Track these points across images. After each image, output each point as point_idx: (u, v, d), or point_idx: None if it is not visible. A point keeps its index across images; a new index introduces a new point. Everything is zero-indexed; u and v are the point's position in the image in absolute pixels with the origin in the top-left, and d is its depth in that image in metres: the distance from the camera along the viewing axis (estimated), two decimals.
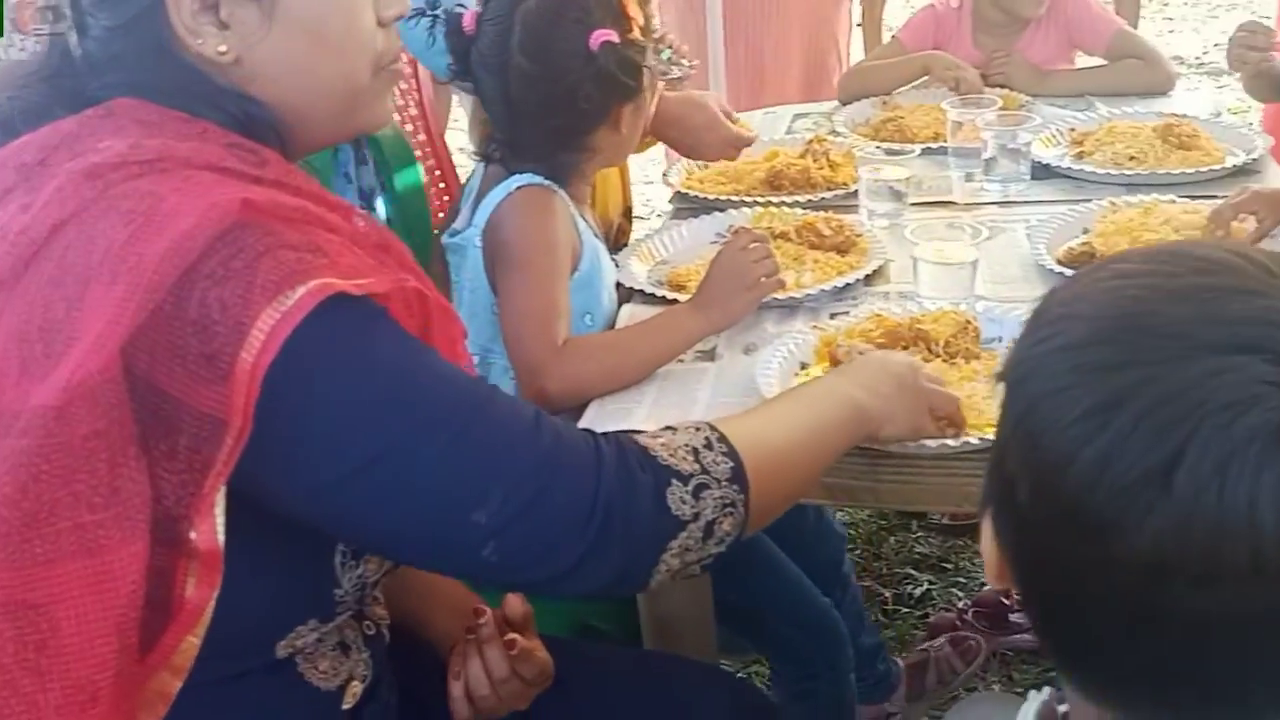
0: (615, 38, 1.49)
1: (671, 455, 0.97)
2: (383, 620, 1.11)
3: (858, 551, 2.47)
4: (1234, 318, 0.58)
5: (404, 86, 2.15)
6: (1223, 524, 0.55)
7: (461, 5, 1.80)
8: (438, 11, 1.79)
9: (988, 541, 0.69)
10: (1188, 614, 0.58)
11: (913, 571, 2.40)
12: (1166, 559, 0.57)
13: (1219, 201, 1.67)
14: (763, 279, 1.50)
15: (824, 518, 1.93)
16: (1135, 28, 2.68)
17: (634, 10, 1.52)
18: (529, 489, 0.89)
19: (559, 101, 1.51)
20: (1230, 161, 1.89)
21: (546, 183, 1.56)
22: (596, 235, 1.67)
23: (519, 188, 1.55)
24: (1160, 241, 1.56)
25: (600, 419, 1.38)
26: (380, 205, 2.00)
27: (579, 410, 1.41)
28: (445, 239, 1.67)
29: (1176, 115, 2.02)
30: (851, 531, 2.52)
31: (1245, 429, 0.55)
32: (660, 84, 1.66)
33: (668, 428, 1.03)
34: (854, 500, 1.32)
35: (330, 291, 0.83)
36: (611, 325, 1.62)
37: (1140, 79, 2.31)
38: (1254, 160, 1.89)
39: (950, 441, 1.21)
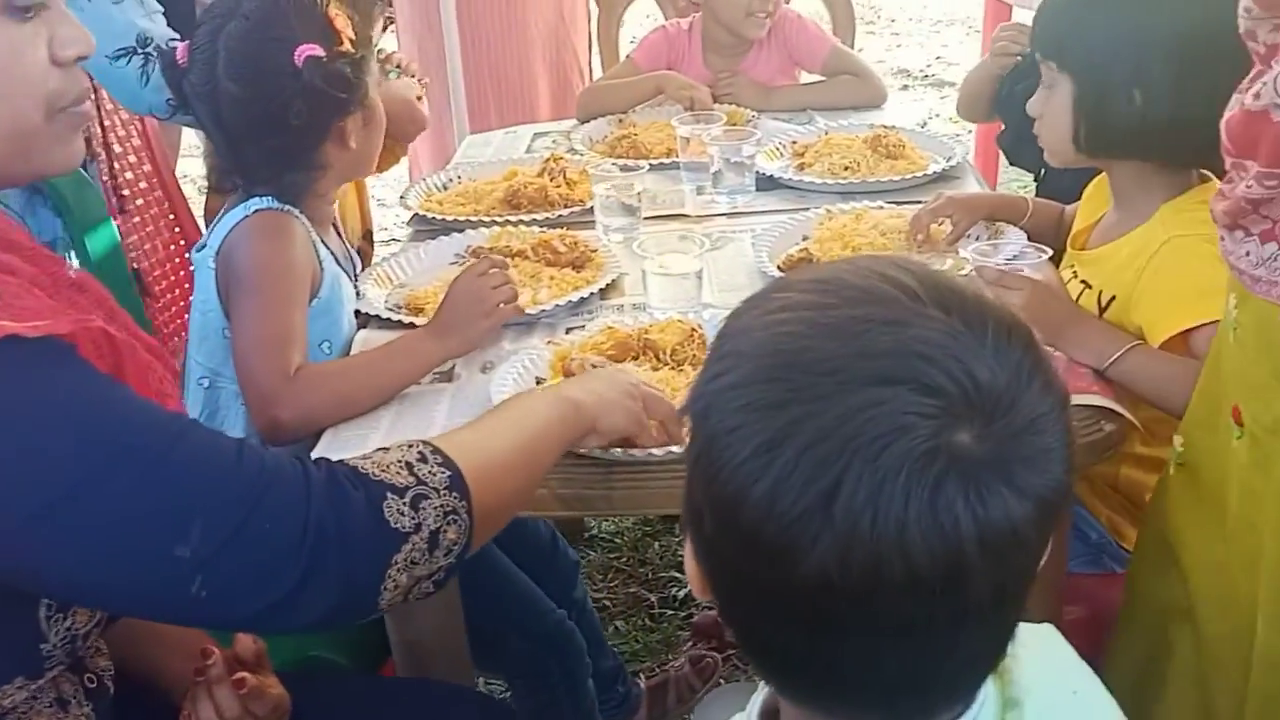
0: (320, 52, 1.48)
1: (384, 471, 0.98)
2: (106, 671, 1.07)
3: (623, 558, 2.53)
4: (881, 351, 0.63)
5: (124, 117, 2.08)
6: (878, 548, 0.61)
7: (175, 40, 1.76)
8: (149, 49, 1.74)
9: (690, 560, 0.73)
10: (858, 624, 0.64)
11: (676, 574, 2.47)
12: (833, 580, 0.62)
13: (920, 206, 1.80)
14: (501, 305, 1.52)
15: (558, 546, 1.96)
16: (852, 45, 2.84)
17: (342, 24, 1.52)
18: (233, 518, 0.88)
19: (272, 121, 1.49)
20: (932, 168, 2.04)
21: (283, 207, 1.54)
22: (339, 261, 1.66)
23: (255, 211, 1.52)
24: (860, 253, 1.67)
25: (334, 447, 1.36)
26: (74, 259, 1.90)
27: (314, 439, 1.39)
28: (191, 254, 1.63)
29: (885, 127, 2.16)
30: (617, 539, 2.58)
31: (893, 459, 0.60)
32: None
33: (380, 448, 1.03)
34: (590, 509, 1.35)
35: (4, 334, 0.80)
36: (349, 352, 1.60)
37: (855, 94, 2.46)
38: (953, 166, 2.05)
39: (675, 448, 1.26)
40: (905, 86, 5.65)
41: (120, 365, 0.92)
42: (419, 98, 2.01)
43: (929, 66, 5.92)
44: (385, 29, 3.17)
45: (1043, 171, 2.17)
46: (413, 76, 2.00)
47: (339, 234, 1.75)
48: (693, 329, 1.47)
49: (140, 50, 1.74)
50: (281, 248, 1.51)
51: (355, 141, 1.57)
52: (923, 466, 0.60)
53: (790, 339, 0.66)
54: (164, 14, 1.85)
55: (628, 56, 2.63)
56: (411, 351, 1.49)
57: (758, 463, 0.63)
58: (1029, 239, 1.70)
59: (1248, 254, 1.07)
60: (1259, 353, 1.10)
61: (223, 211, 1.58)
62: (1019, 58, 2.07)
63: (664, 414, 1.28)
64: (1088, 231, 1.64)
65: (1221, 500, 1.20)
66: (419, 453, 1.02)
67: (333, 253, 1.63)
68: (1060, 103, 1.47)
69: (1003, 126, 2.28)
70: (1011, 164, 2.38)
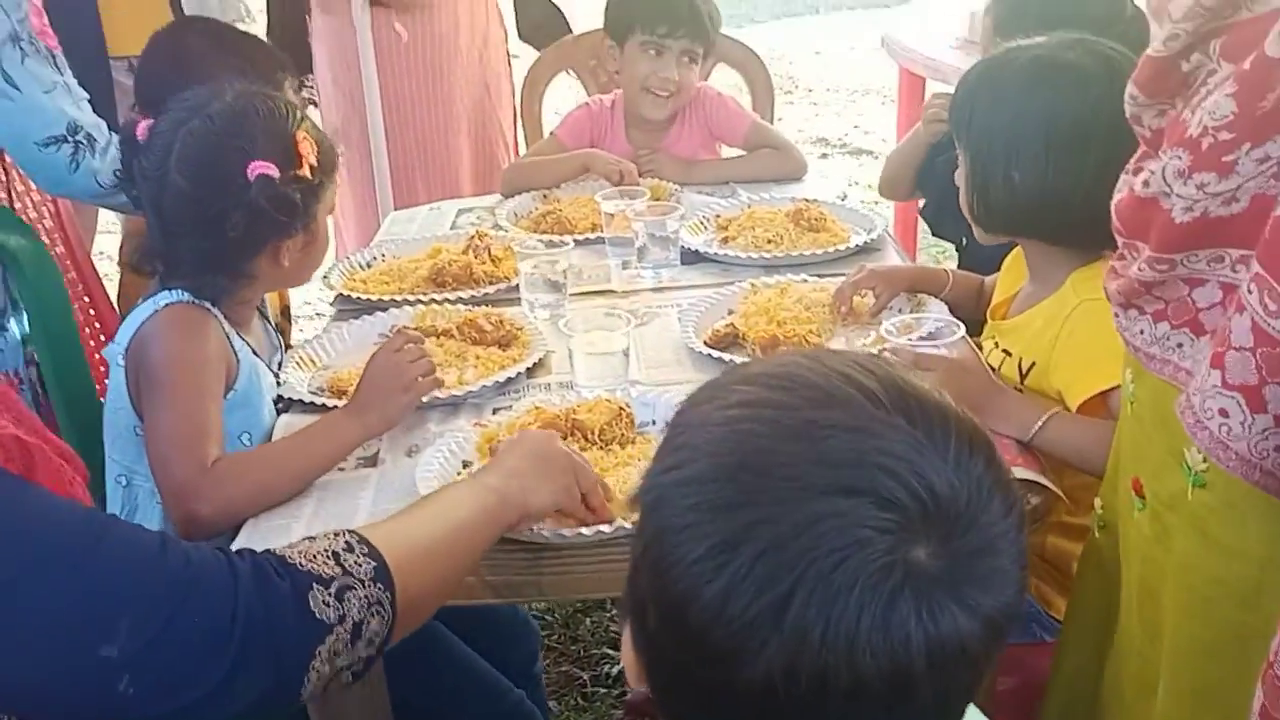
0: (274, 172, 1.47)
1: (310, 561, 0.97)
2: None
3: (555, 636, 2.49)
4: (842, 460, 0.63)
5: (35, 199, 2.04)
6: (826, 659, 0.61)
7: (98, 131, 1.75)
8: (79, 137, 1.74)
9: (627, 648, 0.72)
10: None
11: (609, 651, 2.43)
12: (778, 686, 0.61)
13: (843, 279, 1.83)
14: (419, 379, 1.50)
15: (519, 614, 1.94)
16: (771, 117, 2.89)
17: (307, 149, 1.51)
18: (160, 614, 0.86)
19: (209, 224, 1.48)
20: (854, 241, 2.07)
21: (197, 301, 1.51)
22: (257, 351, 1.63)
23: (166, 305, 1.50)
24: (785, 327, 1.68)
25: (255, 538, 1.33)
26: (13, 324, 1.88)
27: (234, 532, 1.35)
28: (105, 351, 1.59)
29: (807, 200, 2.20)
30: (548, 616, 2.54)
31: (848, 574, 0.60)
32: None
33: (307, 537, 1.02)
34: (519, 596, 1.33)
35: None
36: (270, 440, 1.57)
37: (776, 167, 2.50)
38: (874, 239, 2.08)
39: (604, 528, 1.25)
40: (824, 155, 5.75)
41: (31, 468, 0.91)
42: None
43: (846, 135, 6.04)
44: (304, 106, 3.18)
45: (964, 241, 2.22)
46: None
47: (265, 320, 1.72)
48: (620, 408, 1.47)
49: (70, 138, 1.75)
50: (193, 341, 1.48)
51: (289, 261, 1.56)
52: (877, 582, 0.60)
53: (749, 438, 0.65)
54: (89, 101, 1.84)
55: (551, 133, 2.64)
56: (330, 433, 1.47)
57: (710, 564, 0.63)
58: (950, 311, 1.73)
59: (1142, 332, 1.10)
60: (1155, 428, 1.13)
61: (134, 308, 1.55)
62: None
63: (590, 485, 1.27)
64: (1007, 303, 1.67)
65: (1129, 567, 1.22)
66: (345, 542, 1.01)
67: (249, 344, 1.60)
68: (964, 178, 1.53)
69: (922, 200, 2.34)
70: (934, 234, 2.44)
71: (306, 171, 1.51)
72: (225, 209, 1.46)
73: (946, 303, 1.76)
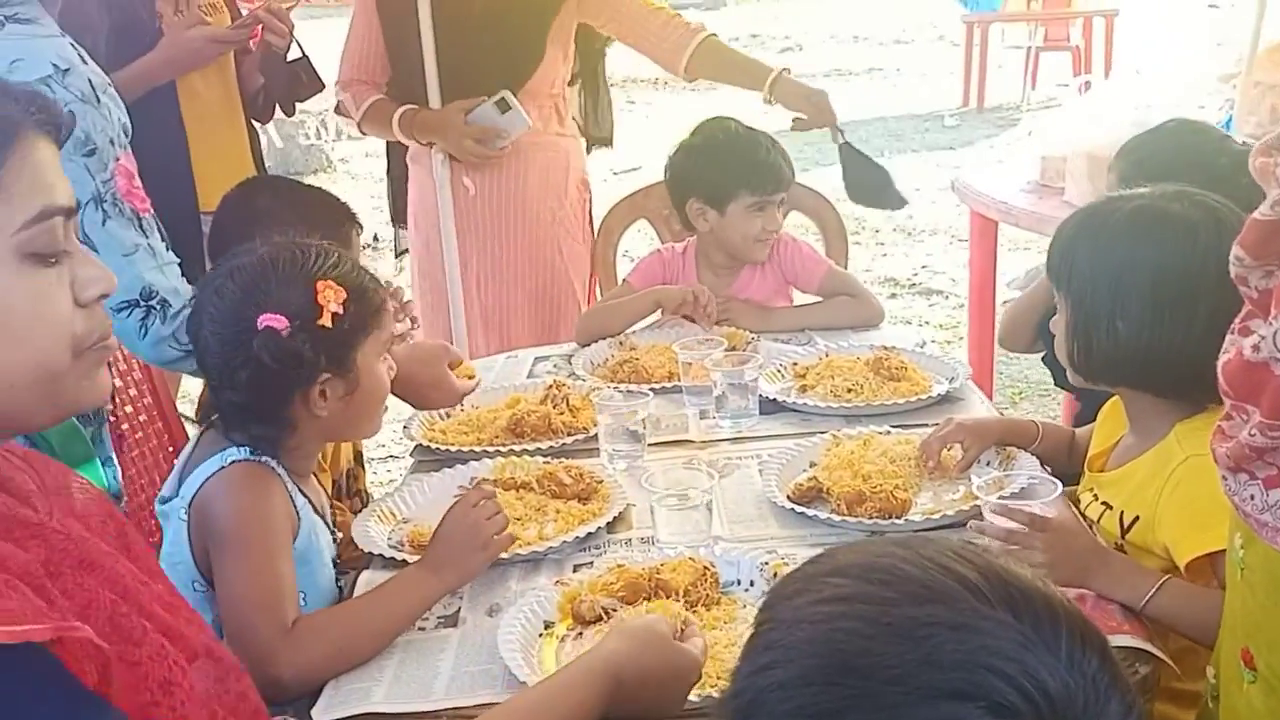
0: (281, 324, 1.47)
1: None
2: None
3: None
4: (949, 661, 0.60)
5: (125, 351, 2.08)
6: None
7: (175, 297, 1.75)
8: (152, 302, 1.74)
9: None
10: None
11: None
12: None
13: (930, 429, 1.79)
14: (495, 537, 1.50)
15: None
16: (845, 260, 2.90)
17: (328, 297, 1.50)
18: None
19: (231, 378, 1.50)
20: (936, 390, 2.04)
21: (260, 459, 1.52)
22: (317, 510, 1.63)
23: (231, 463, 1.50)
24: (870, 481, 1.65)
25: (336, 701, 1.30)
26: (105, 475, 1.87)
27: (315, 694, 1.33)
28: (157, 505, 1.59)
29: (886, 348, 2.18)
30: None
31: None
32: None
33: None
34: None
35: None
36: (330, 603, 1.56)
37: (853, 315, 2.49)
38: (956, 388, 2.05)
39: (693, 696, 1.20)
40: (893, 295, 5.75)
41: (106, 665, 0.86)
42: (456, 366, 2.00)
43: (915, 275, 6.04)
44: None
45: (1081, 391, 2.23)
46: (411, 320, 2.01)
47: (318, 482, 1.72)
48: (705, 567, 1.44)
49: (143, 303, 1.74)
50: (260, 499, 1.48)
51: (328, 410, 1.54)
52: None
53: (849, 638, 0.62)
54: (180, 264, 1.84)
55: (624, 280, 2.67)
56: (407, 590, 1.46)
57: None
58: (1040, 465, 1.68)
59: (1252, 498, 1.05)
60: (1269, 598, 1.07)
61: (188, 457, 1.56)
62: None
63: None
64: (1105, 454, 1.63)
65: None
66: None
67: (310, 500, 1.60)
68: (1064, 327, 1.51)
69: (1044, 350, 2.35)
70: (1056, 384, 2.44)
71: (327, 320, 1.50)
72: (238, 364, 1.48)
73: (1037, 456, 1.72)
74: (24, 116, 0.95)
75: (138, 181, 1.76)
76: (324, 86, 2.87)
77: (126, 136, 1.68)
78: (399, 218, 3.25)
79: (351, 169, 8.62)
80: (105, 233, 1.65)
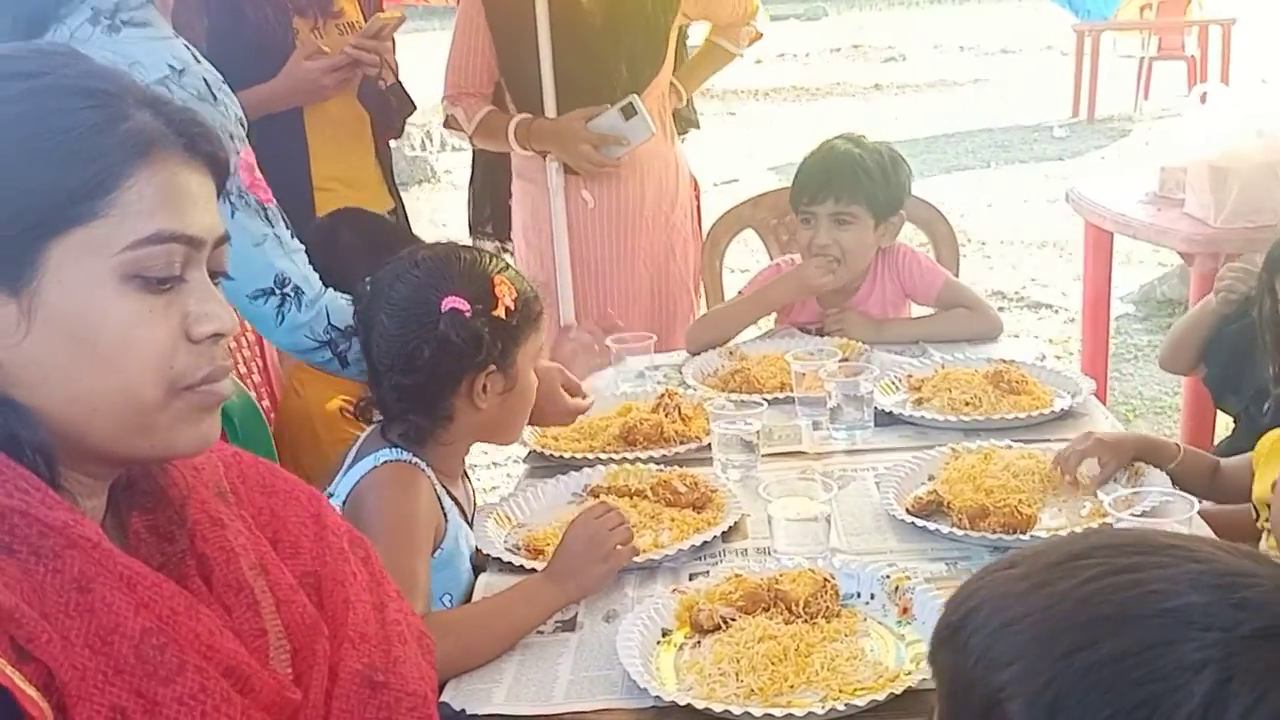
0: (465, 306, 1.54)
1: None
2: None
3: None
4: None
5: (247, 354, 2.13)
6: None
7: (307, 285, 1.78)
8: (286, 289, 1.77)
9: None
10: None
11: None
12: None
13: (1051, 444, 1.75)
14: (618, 547, 1.51)
15: None
16: (957, 273, 2.85)
17: (503, 290, 1.58)
18: None
19: (406, 360, 1.56)
20: (1058, 405, 1.99)
21: (411, 459, 1.56)
22: (464, 513, 1.66)
23: (385, 463, 1.54)
24: (993, 497, 1.61)
25: (458, 699, 1.32)
26: None
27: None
28: None
29: (1005, 361, 2.14)
30: None
31: None
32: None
33: None
34: None
35: None
36: (470, 599, 1.57)
37: (969, 327, 2.45)
38: (1079, 403, 2.00)
39: (817, 709, 1.19)
40: (1001, 308, 5.62)
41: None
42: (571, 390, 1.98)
43: (1024, 288, 5.92)
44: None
45: (1247, 409, 2.17)
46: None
47: (467, 483, 1.75)
48: (825, 579, 1.42)
49: (278, 291, 1.76)
50: (407, 498, 1.52)
51: (487, 404, 1.61)
52: None
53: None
54: (305, 251, 1.85)
55: (739, 292, 2.66)
56: (530, 598, 1.48)
57: None
58: (1173, 485, 1.63)
59: None
60: None
61: (351, 457, 1.60)
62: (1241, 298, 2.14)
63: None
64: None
65: None
66: None
67: (458, 503, 1.63)
68: None
69: (1205, 368, 2.37)
70: (1216, 404, 2.45)
71: (501, 311, 1.57)
72: (418, 343, 1.55)
73: (1171, 477, 1.66)
74: (166, 134, 0.90)
75: (259, 174, 1.76)
76: (415, 109, 2.89)
77: (243, 129, 1.71)
78: (478, 229, 3.28)
79: (455, 179, 8.75)
80: (235, 225, 1.64)
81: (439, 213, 8.11)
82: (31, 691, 0.76)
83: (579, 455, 1.97)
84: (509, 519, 1.79)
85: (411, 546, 1.48)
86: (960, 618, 0.72)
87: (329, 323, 1.69)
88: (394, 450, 1.56)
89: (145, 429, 0.90)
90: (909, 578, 1.43)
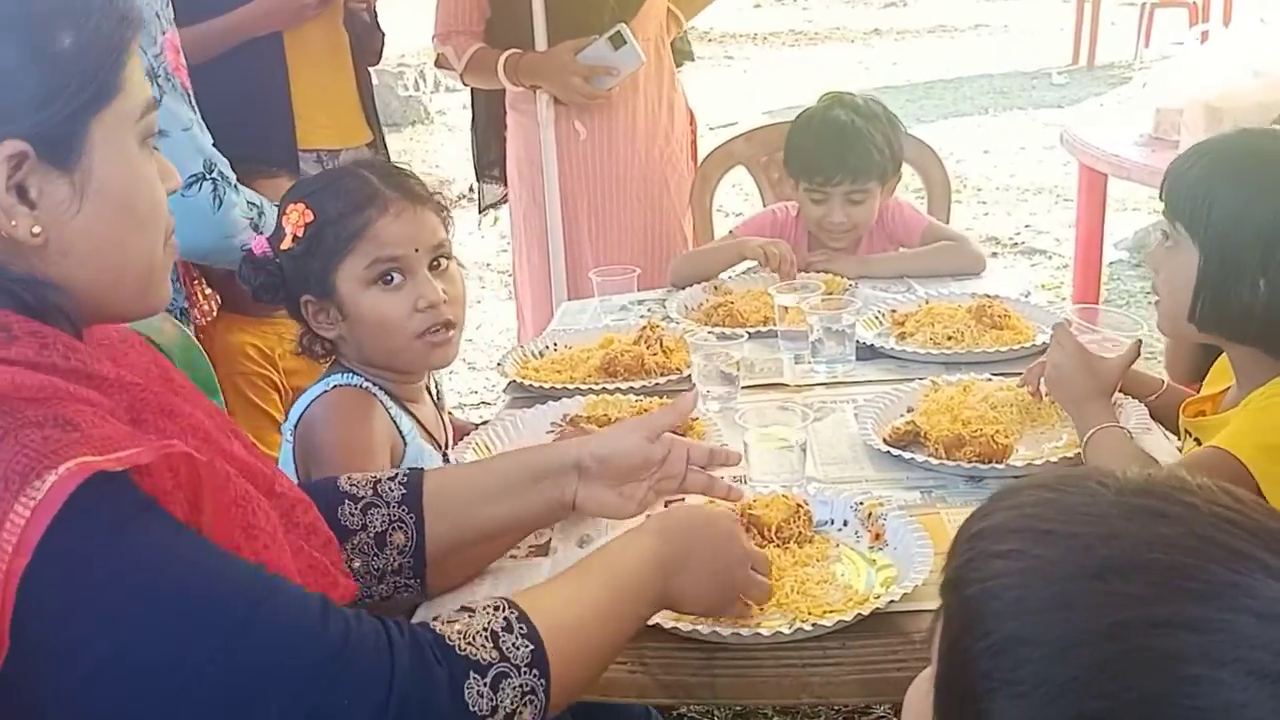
0: (261, 248, 1.57)
1: (469, 644, 0.95)
2: None
3: None
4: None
5: (208, 292, 2.12)
6: None
7: (227, 168, 1.76)
8: (215, 175, 1.75)
9: None
10: None
11: None
12: None
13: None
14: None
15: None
16: (948, 218, 2.83)
17: (291, 220, 1.55)
18: (312, 696, 0.85)
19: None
20: (1039, 339, 1.98)
21: (363, 384, 1.55)
22: (432, 438, 1.65)
23: (335, 387, 1.54)
24: (971, 427, 1.62)
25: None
26: None
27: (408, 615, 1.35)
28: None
29: (989, 296, 2.12)
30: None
31: None
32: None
33: (464, 608, 1.00)
34: (691, 697, 1.27)
35: (87, 473, 0.79)
36: None
37: (952, 260, 2.43)
38: None
39: (784, 629, 1.19)
40: (994, 254, 5.61)
41: (198, 495, 0.89)
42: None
43: (1018, 234, 5.89)
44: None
45: None
46: None
47: (440, 411, 1.74)
48: (799, 505, 1.42)
49: (208, 175, 1.74)
50: (357, 424, 1.52)
51: (335, 332, 1.60)
52: None
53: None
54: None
55: (731, 231, 2.64)
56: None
57: None
58: (1151, 416, 1.63)
59: None
60: None
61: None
62: None
63: (758, 597, 1.22)
64: (1205, 403, 1.56)
65: None
66: (505, 620, 0.99)
67: (420, 423, 1.62)
68: (1182, 269, 1.42)
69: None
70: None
71: (289, 242, 1.55)
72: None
73: (1150, 411, 1.65)
74: (136, 11, 0.97)
75: (182, 58, 1.74)
76: (384, 36, 2.87)
77: (171, 9, 1.68)
78: (484, 172, 3.25)
79: (449, 121, 8.68)
80: (164, 109, 1.62)
81: (432, 154, 8.06)
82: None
83: (559, 385, 1.96)
84: (487, 448, 1.78)
85: (366, 470, 1.47)
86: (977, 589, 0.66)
87: (247, 199, 1.69)
88: (345, 375, 1.55)
89: (150, 285, 0.99)
90: (882, 504, 1.42)
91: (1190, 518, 0.62)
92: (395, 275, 1.56)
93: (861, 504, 1.43)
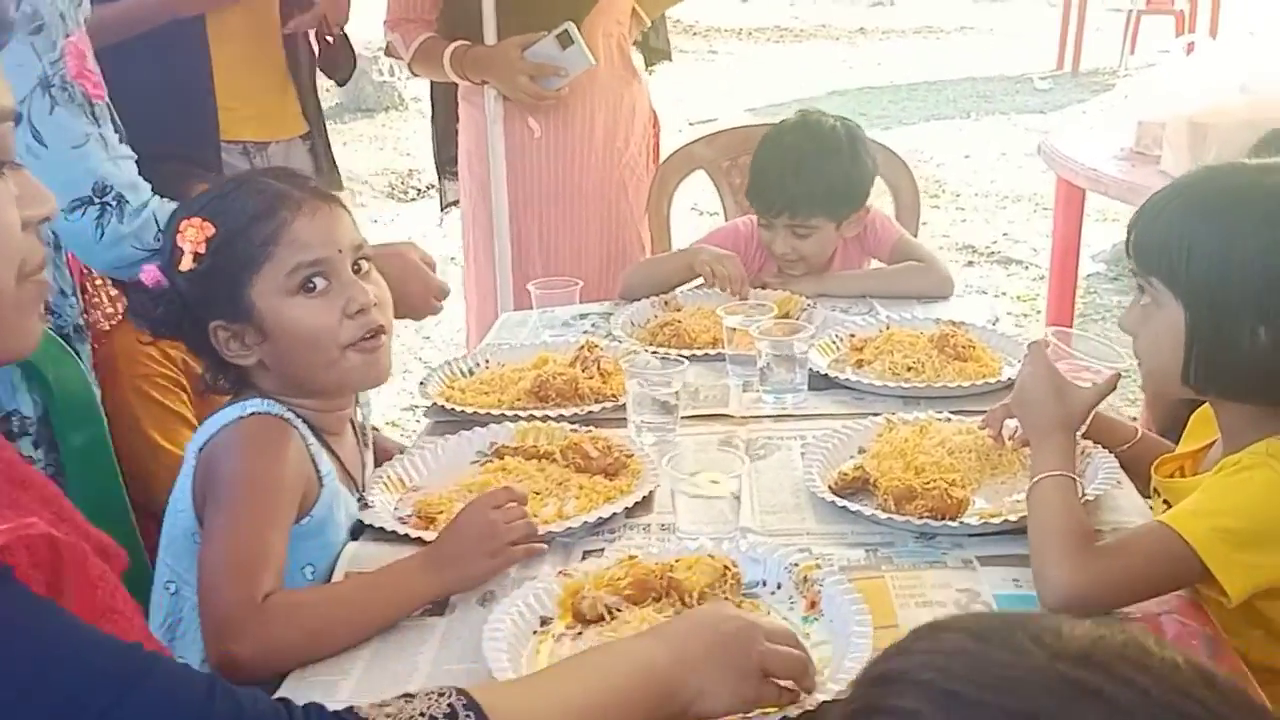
0: (154, 277, 1.40)
1: None
2: None
3: None
4: None
5: (112, 293, 1.95)
6: None
7: (133, 193, 1.59)
8: (107, 199, 1.57)
9: None
10: None
11: None
12: None
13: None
14: (513, 546, 1.34)
15: None
16: (917, 226, 2.69)
17: (187, 238, 1.38)
18: None
19: None
20: (1006, 374, 1.84)
21: (283, 413, 1.39)
22: (348, 471, 1.50)
23: (252, 414, 1.37)
24: (924, 475, 1.47)
25: (298, 693, 1.14)
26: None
27: (277, 680, 1.19)
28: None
29: (953, 323, 1.98)
30: None
31: None
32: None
33: (405, 695, 0.87)
34: None
35: None
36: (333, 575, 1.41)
37: (918, 282, 2.29)
38: None
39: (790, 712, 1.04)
40: (970, 263, 5.49)
41: (60, 577, 0.80)
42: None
43: (995, 243, 5.76)
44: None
45: None
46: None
47: (362, 444, 1.58)
48: (725, 567, 1.27)
49: (97, 200, 1.55)
50: (270, 459, 1.34)
51: (251, 357, 1.42)
52: None
53: None
54: (136, 162, 1.65)
55: (693, 244, 2.49)
56: (400, 585, 1.30)
57: None
58: (1122, 467, 1.49)
59: None
60: None
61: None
62: None
63: (794, 673, 1.05)
64: (1186, 460, 1.42)
65: None
66: (450, 707, 0.86)
67: (340, 460, 1.47)
68: (1167, 328, 1.27)
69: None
70: None
71: (188, 263, 1.37)
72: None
73: (1120, 460, 1.51)
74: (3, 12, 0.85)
75: (91, 63, 1.56)
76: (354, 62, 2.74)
77: (79, 10, 1.51)
78: (444, 167, 3.09)
79: (423, 108, 8.42)
80: (53, 122, 1.47)
81: (404, 141, 7.88)
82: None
83: (485, 410, 1.80)
84: (402, 482, 1.63)
85: (268, 513, 1.31)
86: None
87: (160, 229, 1.51)
88: (265, 402, 1.39)
89: (4, 328, 0.88)
90: (819, 566, 1.28)
91: (1133, 706, 0.48)
92: (319, 280, 1.40)
93: (797, 565, 1.28)
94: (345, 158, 8.03)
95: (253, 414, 1.38)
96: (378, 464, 1.84)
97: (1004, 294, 5.07)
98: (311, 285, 1.40)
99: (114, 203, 1.49)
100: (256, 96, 2.46)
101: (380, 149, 7.77)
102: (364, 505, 1.52)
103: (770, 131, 2.36)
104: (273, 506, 1.32)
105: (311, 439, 1.43)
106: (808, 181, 2.22)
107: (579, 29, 2.58)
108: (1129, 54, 9.20)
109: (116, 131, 1.58)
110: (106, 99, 1.57)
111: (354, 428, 1.58)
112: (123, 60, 1.93)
